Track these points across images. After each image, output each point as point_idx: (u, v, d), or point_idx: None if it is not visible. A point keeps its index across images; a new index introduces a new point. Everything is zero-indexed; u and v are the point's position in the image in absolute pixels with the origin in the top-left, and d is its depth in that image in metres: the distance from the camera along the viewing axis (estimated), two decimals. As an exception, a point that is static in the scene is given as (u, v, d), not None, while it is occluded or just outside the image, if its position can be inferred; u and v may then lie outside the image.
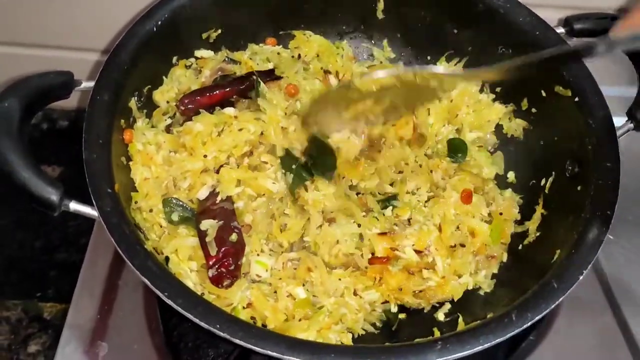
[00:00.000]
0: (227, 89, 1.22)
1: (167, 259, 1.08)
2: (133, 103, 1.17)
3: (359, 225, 1.14)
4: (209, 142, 1.14)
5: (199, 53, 1.31)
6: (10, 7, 1.47)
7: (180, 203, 1.14)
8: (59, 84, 1.08)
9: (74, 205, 0.97)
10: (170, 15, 1.20)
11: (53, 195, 0.94)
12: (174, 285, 0.91)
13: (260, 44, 1.39)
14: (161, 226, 1.12)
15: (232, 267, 1.05)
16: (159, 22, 1.18)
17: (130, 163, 1.13)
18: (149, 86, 1.22)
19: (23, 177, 0.93)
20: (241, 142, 1.16)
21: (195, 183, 1.15)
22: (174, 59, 1.27)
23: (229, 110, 1.18)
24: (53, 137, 1.64)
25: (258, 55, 1.35)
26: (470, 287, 1.16)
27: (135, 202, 1.10)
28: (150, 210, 1.12)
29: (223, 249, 1.05)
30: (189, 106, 1.19)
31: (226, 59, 1.32)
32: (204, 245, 1.07)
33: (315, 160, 1.17)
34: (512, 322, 0.91)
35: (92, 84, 1.09)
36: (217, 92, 1.21)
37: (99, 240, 1.33)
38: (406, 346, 0.93)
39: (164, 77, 1.25)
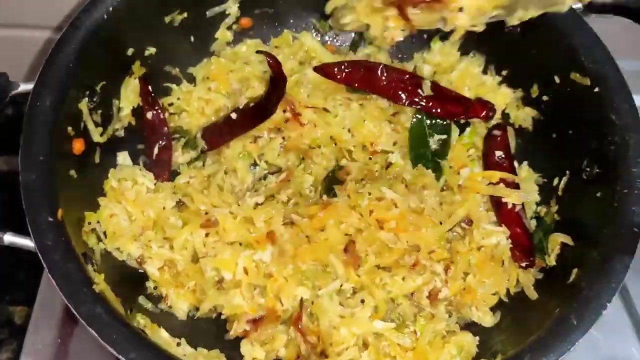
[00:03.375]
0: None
1: None
2: (84, 104, 1.01)
3: None
4: None
5: None
6: None
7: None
8: (-12, 91, 0.92)
9: (9, 238, 0.84)
10: (124, -2, 1.02)
11: (-20, 228, 0.81)
12: (128, 337, 0.78)
13: (234, 25, 1.22)
14: None
15: None
16: (110, 8, 1.01)
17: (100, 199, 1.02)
18: (104, 82, 1.05)
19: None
20: None
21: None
22: (130, 51, 1.09)
23: None
24: (20, 124, 1.48)
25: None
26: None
27: (89, 223, 0.97)
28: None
29: None
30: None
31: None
32: None
33: None
34: (525, 370, 0.78)
35: (31, 86, 0.94)
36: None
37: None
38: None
39: (121, 87, 1.09)
